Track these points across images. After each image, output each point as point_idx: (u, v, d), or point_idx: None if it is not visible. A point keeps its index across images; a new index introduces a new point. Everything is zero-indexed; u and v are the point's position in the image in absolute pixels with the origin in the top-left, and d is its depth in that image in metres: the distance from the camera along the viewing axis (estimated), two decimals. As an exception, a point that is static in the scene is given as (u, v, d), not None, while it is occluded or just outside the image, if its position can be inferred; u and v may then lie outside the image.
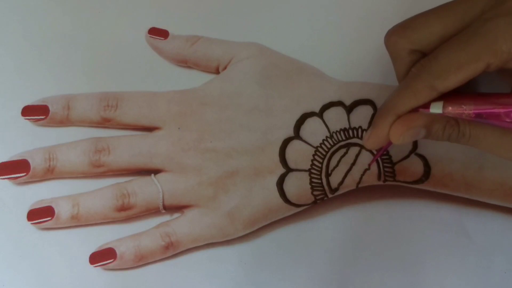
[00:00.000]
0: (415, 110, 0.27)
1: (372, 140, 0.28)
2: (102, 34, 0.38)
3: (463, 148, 0.33)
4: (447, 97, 0.26)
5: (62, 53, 0.37)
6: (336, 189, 0.34)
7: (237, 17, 0.39)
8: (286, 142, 0.34)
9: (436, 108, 0.26)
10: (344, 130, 0.34)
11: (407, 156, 0.34)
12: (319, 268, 0.34)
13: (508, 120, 0.24)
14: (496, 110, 0.25)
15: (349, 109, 0.34)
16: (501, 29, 0.25)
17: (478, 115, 0.25)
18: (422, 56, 0.27)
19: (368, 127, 0.34)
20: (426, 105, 0.26)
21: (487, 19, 0.25)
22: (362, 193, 0.35)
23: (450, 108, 0.26)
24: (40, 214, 0.33)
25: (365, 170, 0.34)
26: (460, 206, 0.35)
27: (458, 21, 0.26)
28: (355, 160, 0.34)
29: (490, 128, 0.26)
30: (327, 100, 0.35)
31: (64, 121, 0.35)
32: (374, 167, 0.34)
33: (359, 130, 0.34)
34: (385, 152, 0.33)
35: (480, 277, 0.34)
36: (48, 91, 0.36)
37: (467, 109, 0.25)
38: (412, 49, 0.27)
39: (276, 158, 0.34)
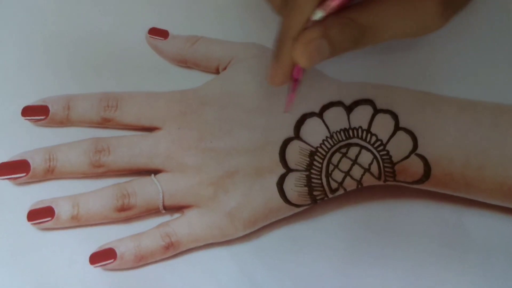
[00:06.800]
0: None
1: (276, 72, 0.27)
2: (102, 34, 0.38)
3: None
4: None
5: (62, 53, 0.37)
6: (336, 189, 0.34)
7: (237, 17, 0.39)
8: (286, 143, 0.34)
9: (318, 14, 0.25)
10: (344, 130, 0.34)
11: (407, 156, 0.34)
12: (319, 268, 0.34)
13: None
14: None
15: (349, 109, 0.34)
16: None
17: None
18: None
19: (369, 127, 0.34)
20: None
21: None
22: (362, 193, 0.35)
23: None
24: (40, 215, 0.33)
25: (365, 170, 0.34)
26: (460, 206, 0.35)
27: None
28: (355, 160, 0.34)
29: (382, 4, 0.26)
30: (327, 100, 0.35)
31: (64, 122, 0.35)
32: (374, 167, 0.34)
33: (359, 130, 0.34)
34: (298, 85, 0.30)
35: (480, 277, 0.34)
36: (48, 91, 0.36)
37: None
38: None
39: (276, 157, 0.34)
